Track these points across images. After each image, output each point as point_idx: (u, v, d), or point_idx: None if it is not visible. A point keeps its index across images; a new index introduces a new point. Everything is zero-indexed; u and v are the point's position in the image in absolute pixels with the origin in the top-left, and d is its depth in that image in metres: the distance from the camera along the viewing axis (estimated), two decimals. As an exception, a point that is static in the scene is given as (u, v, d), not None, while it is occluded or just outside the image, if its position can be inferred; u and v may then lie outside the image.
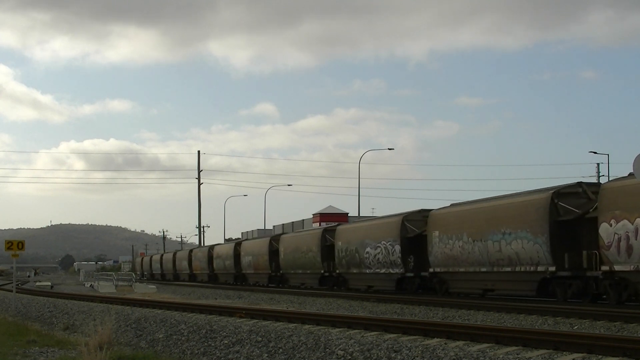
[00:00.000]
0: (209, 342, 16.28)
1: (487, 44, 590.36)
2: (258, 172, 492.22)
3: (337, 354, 13.39)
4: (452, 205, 34.20)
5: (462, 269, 31.44)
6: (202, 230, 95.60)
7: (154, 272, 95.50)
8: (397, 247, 35.90)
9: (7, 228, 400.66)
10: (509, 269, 28.53)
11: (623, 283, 24.14)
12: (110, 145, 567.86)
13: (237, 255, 61.31)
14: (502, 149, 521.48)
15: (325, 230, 47.20)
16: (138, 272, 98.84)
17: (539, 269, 27.02)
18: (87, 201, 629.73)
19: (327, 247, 44.94)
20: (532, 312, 22.61)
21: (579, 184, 27.83)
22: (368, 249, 38.64)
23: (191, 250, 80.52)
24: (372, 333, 16.47)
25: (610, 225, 24.03)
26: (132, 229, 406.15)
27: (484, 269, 29.99)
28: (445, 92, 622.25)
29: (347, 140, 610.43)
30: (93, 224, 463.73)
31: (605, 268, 24.45)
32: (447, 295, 32.27)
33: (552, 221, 26.47)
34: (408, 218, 36.28)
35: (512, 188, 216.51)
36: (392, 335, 15.87)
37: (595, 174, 69.77)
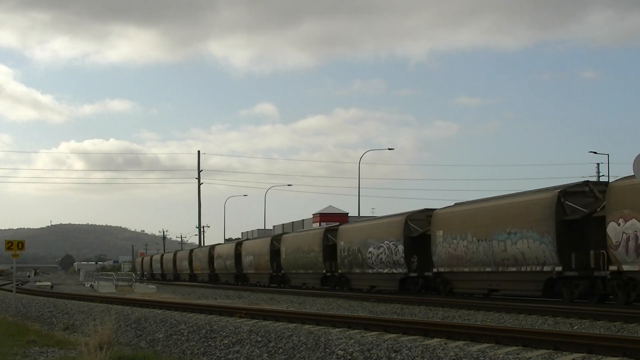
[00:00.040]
0: (209, 342, 16.28)
1: (487, 44, 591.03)
2: (258, 172, 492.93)
3: (337, 354, 13.39)
4: (456, 204, 33.90)
5: (466, 269, 31.11)
6: (202, 230, 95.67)
7: (154, 272, 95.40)
8: (401, 247, 35.65)
9: (7, 228, 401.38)
10: (514, 269, 28.22)
11: (631, 283, 23.81)
12: (110, 145, 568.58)
13: (238, 255, 61.17)
14: (502, 149, 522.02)
15: (327, 230, 46.96)
16: (138, 272, 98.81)
17: (545, 268, 26.68)
18: (87, 201, 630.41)
19: (329, 247, 44.74)
20: (532, 312, 22.60)
21: (586, 182, 27.48)
22: (371, 249, 38.41)
23: (192, 250, 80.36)
24: (372, 333, 16.47)
25: (619, 225, 23.71)
26: (132, 229, 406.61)
27: (488, 269, 29.67)
28: (445, 92, 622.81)
29: (347, 140, 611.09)
30: (93, 224, 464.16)
31: (613, 268, 24.11)
32: (451, 296, 32.02)
33: (558, 220, 26.16)
34: (411, 217, 36.06)
35: (512, 188, 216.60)
36: (392, 335, 15.87)
37: (595, 174, 69.80)
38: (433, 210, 34.75)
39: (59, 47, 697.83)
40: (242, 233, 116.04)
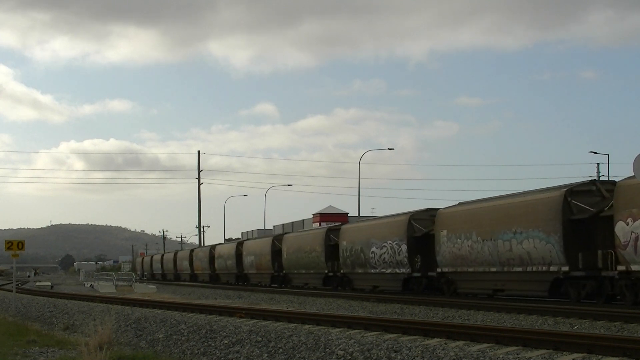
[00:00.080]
0: (209, 342, 16.28)
1: (487, 44, 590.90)
2: (258, 172, 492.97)
3: (337, 354, 13.39)
4: (460, 204, 33.57)
5: (471, 269, 30.83)
6: (202, 230, 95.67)
7: (154, 272, 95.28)
8: (404, 247, 35.38)
9: (7, 228, 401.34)
10: (520, 269, 27.94)
11: None
12: (110, 145, 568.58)
13: (239, 255, 60.92)
14: (502, 149, 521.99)
15: (329, 229, 46.66)
16: (138, 272, 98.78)
17: (552, 268, 26.41)
18: (87, 201, 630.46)
19: (331, 247, 44.51)
20: (532, 312, 22.60)
21: (593, 181, 27.06)
22: (373, 249, 38.16)
23: (192, 250, 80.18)
24: (372, 333, 16.47)
25: (627, 224, 23.38)
26: (132, 229, 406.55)
27: (493, 269, 29.40)
28: (445, 92, 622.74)
29: (347, 140, 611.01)
30: (93, 224, 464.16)
31: (621, 268, 23.77)
32: (455, 296, 31.76)
33: (565, 220, 25.91)
34: (415, 217, 35.76)
35: (512, 188, 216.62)
36: (392, 335, 15.87)
37: (595, 174, 69.81)
38: (437, 209, 34.45)
39: (59, 47, 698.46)
40: (242, 233, 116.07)
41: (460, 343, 14.22)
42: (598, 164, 71.16)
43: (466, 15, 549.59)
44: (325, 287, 45.00)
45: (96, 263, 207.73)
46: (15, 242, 30.20)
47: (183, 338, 17.26)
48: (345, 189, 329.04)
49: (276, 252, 52.82)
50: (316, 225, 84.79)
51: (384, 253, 37.16)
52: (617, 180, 25.62)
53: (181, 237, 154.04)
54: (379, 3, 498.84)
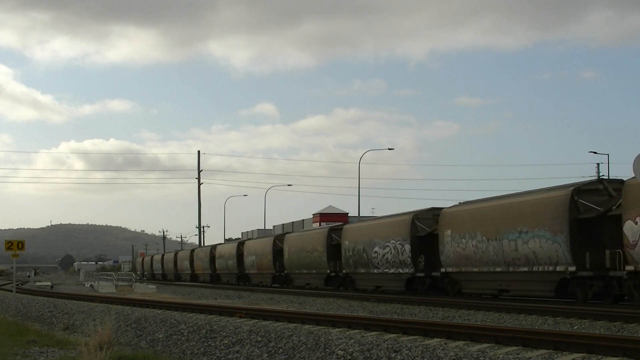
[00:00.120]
0: (209, 342, 16.28)
1: (487, 44, 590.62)
2: (258, 172, 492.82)
3: (337, 354, 13.39)
4: (464, 203, 33.23)
5: (475, 269, 30.50)
6: (202, 230, 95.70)
7: (154, 272, 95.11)
8: (407, 247, 35.07)
9: (7, 228, 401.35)
10: (525, 269, 27.61)
11: None
12: (110, 145, 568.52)
13: (240, 255, 60.64)
14: (502, 149, 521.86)
15: (332, 229, 46.29)
16: (139, 272, 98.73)
17: (558, 268, 26.08)
18: (87, 201, 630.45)
19: (333, 247, 44.23)
20: (532, 312, 22.60)
21: (600, 180, 26.66)
22: (376, 249, 37.89)
23: (193, 250, 79.91)
24: (372, 333, 16.47)
25: (636, 223, 23.09)
26: (132, 229, 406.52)
27: (499, 269, 29.07)
28: (445, 92, 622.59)
29: (347, 140, 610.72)
30: (93, 224, 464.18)
31: (630, 268, 23.46)
32: (460, 296, 31.49)
33: (572, 219, 25.58)
34: (418, 216, 35.43)
35: (512, 188, 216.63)
36: (392, 335, 15.87)
37: (595, 174, 69.83)
38: (440, 209, 34.17)
39: (59, 47, 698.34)
40: (242, 233, 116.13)
41: (460, 343, 14.22)
42: (598, 164, 71.27)
43: (466, 15, 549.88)
44: (327, 287, 44.72)
45: (96, 263, 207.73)
46: (15, 242, 30.20)
47: (183, 338, 17.26)
48: (345, 189, 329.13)
49: (278, 252, 52.52)
50: (316, 225, 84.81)
51: (387, 253, 36.85)
52: (624, 179, 25.12)
53: (181, 237, 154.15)
54: (379, 3, 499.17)
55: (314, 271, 46.68)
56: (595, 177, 64.84)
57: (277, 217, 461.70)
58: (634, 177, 22.99)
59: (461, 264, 31.39)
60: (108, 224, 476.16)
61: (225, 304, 30.06)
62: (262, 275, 55.86)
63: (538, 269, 27.06)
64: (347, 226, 44.41)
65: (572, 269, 25.54)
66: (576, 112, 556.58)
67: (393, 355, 12.71)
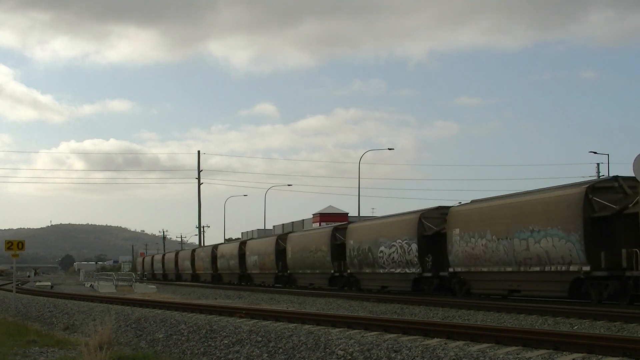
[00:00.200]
0: (209, 342, 16.28)
1: (487, 44, 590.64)
2: (258, 172, 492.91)
3: (337, 354, 13.39)
4: (472, 201, 32.54)
5: (485, 269, 29.86)
6: (202, 230, 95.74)
7: (155, 272, 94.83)
8: (414, 246, 34.46)
9: (7, 228, 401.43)
10: (537, 269, 26.95)
11: None
12: (110, 145, 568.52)
13: (242, 254, 60.02)
14: (502, 149, 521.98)
15: (336, 228, 45.59)
16: (139, 272, 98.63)
17: (572, 268, 25.42)
18: (87, 201, 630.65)
19: (337, 246, 43.63)
20: (532, 312, 22.60)
21: (615, 178, 25.92)
22: (382, 248, 37.31)
23: (194, 250, 79.45)
24: (372, 333, 16.47)
25: None
26: (132, 229, 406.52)
27: (509, 269, 28.42)
28: (445, 92, 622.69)
29: (347, 140, 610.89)
30: (93, 224, 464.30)
31: None
32: (468, 296, 30.97)
33: (586, 217, 24.88)
34: (425, 215, 34.83)
35: (512, 188, 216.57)
36: (392, 335, 15.87)
37: (595, 174, 69.83)
38: (448, 207, 33.60)
39: (59, 47, 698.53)
40: (242, 233, 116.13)
41: (460, 343, 14.22)
42: (598, 164, 71.26)
43: (466, 15, 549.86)
44: (331, 287, 44.15)
45: (96, 263, 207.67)
46: (15, 242, 30.20)
47: (183, 338, 17.26)
48: (345, 189, 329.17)
49: (280, 252, 51.93)
50: (316, 225, 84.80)
51: (393, 252, 36.28)
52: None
53: (181, 237, 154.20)
54: (379, 3, 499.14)
55: (317, 271, 46.11)
56: (595, 177, 64.90)
57: (277, 217, 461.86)
58: None
59: (470, 263, 30.74)
60: (108, 224, 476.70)
61: (225, 304, 30.06)
62: (265, 275, 55.29)
63: (550, 268, 26.40)
64: (351, 225, 43.64)
65: (587, 268, 24.89)
66: (576, 112, 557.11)
67: (393, 355, 12.71)
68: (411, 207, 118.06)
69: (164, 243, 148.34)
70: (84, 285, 72.19)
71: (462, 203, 33.47)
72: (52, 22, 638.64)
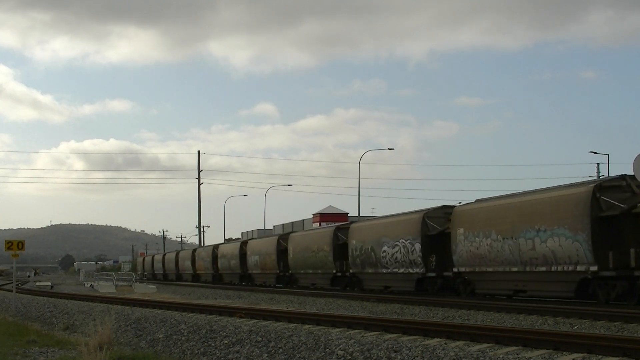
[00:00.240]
0: (209, 342, 16.28)
1: (487, 44, 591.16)
2: (258, 172, 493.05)
3: (337, 354, 13.39)
4: (477, 201, 32.25)
5: (490, 269, 29.52)
6: (202, 230, 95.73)
7: (155, 272, 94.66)
8: (418, 246, 34.10)
9: (7, 228, 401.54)
10: (543, 269, 26.58)
11: None
12: (110, 145, 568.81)
13: (243, 254, 59.66)
14: (502, 149, 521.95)
15: (338, 228, 45.18)
16: (139, 272, 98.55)
17: (579, 268, 25.03)
18: (87, 201, 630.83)
19: (339, 246, 43.26)
20: (532, 312, 22.60)
21: (623, 176, 25.53)
22: (385, 248, 37.01)
23: (195, 250, 79.12)
24: (372, 333, 16.46)
25: None
26: (132, 229, 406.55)
27: (515, 269, 28.06)
28: (445, 92, 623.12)
29: (347, 140, 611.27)
30: (93, 224, 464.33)
31: None
32: (472, 297, 30.67)
33: (594, 217, 24.49)
34: (429, 215, 34.47)
35: (512, 188, 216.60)
36: (392, 335, 15.87)
37: (595, 174, 69.84)
38: (452, 207, 33.26)
39: (59, 47, 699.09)
40: (242, 233, 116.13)
41: (460, 343, 14.22)
42: (598, 164, 71.29)
43: (466, 15, 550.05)
44: (333, 287, 43.86)
45: (96, 263, 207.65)
46: (15, 242, 30.20)
47: (183, 338, 17.26)
48: (345, 189, 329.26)
49: (282, 252, 51.62)
50: (316, 225, 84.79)
51: (397, 252, 35.96)
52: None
53: (181, 237, 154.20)
54: (379, 3, 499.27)
55: (319, 271, 45.80)
56: (595, 177, 64.93)
57: (277, 217, 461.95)
58: None
59: (475, 263, 30.39)
60: (108, 224, 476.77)
61: (225, 304, 30.05)
62: (266, 275, 54.98)
63: (557, 268, 26.07)
64: (354, 225, 43.22)
65: (594, 268, 24.53)
66: (576, 112, 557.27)
67: (393, 355, 12.71)
68: (411, 207, 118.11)
69: (164, 243, 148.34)
70: (84, 285, 72.19)
71: (466, 203, 33.16)
72: (52, 22, 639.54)
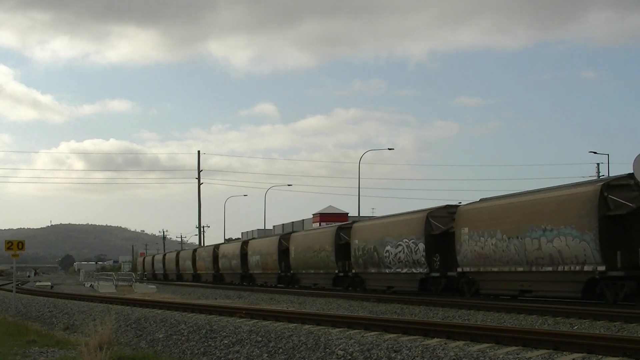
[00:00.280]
0: (209, 342, 16.27)
1: (487, 44, 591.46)
2: (258, 172, 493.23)
3: (337, 354, 13.38)
4: (482, 200, 31.91)
5: (495, 269, 29.19)
6: (202, 230, 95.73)
7: (156, 272, 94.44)
8: (421, 245, 33.85)
9: (7, 228, 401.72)
10: (550, 269, 26.22)
11: None
12: (110, 145, 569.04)
13: (244, 254, 59.39)
14: (502, 149, 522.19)
15: (340, 227, 44.89)
16: (139, 272, 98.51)
17: (586, 268, 24.69)
18: (87, 201, 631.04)
19: (341, 246, 43.05)
20: (532, 312, 22.59)
21: (631, 175, 25.11)
22: (388, 248, 36.74)
23: (195, 250, 78.89)
24: (372, 333, 16.46)
25: None
26: (132, 229, 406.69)
27: (520, 269, 27.71)
28: (445, 92, 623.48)
29: (347, 140, 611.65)
30: (93, 224, 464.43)
31: None
32: (477, 297, 30.46)
33: (601, 216, 24.15)
34: (433, 214, 34.16)
35: (512, 188, 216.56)
36: (392, 335, 15.86)
37: (595, 174, 69.84)
38: (456, 206, 32.90)
39: (59, 47, 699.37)
40: (242, 233, 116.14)
41: (460, 343, 14.21)
42: (598, 164, 71.31)
43: (466, 15, 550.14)
44: (335, 287, 43.64)
45: (96, 263, 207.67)
46: (15, 242, 30.19)
47: (183, 338, 17.26)
48: (345, 189, 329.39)
49: (283, 252, 51.34)
50: (316, 225, 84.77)
51: (400, 252, 35.70)
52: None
53: (181, 237, 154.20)
54: (379, 3, 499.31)
55: (321, 271, 45.53)
56: (595, 177, 64.94)
57: (277, 217, 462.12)
58: None
59: (479, 263, 30.08)
60: (108, 224, 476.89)
61: (225, 304, 30.05)
62: (267, 275, 54.68)
63: (564, 268, 25.72)
64: (356, 224, 42.89)
65: (602, 268, 24.19)
66: (576, 112, 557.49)
67: (393, 355, 12.71)
68: (411, 207, 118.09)
69: (164, 243, 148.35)
70: (84, 285, 72.19)
71: (470, 202, 32.85)
72: (52, 22, 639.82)
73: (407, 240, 35.26)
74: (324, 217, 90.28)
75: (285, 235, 54.14)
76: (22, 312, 28.05)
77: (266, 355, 14.38)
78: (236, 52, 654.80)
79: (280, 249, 51.86)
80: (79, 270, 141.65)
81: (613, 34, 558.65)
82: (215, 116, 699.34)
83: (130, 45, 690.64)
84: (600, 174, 68.75)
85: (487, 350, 12.85)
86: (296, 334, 15.64)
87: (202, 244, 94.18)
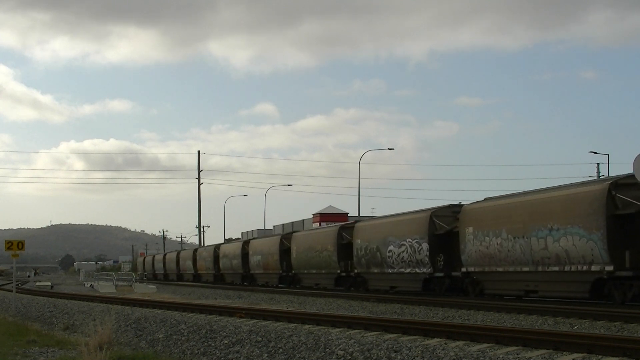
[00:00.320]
0: (209, 342, 16.27)
1: (487, 44, 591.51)
2: (258, 172, 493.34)
3: (337, 354, 13.38)
4: (486, 199, 31.56)
5: (500, 269, 28.87)
6: (202, 230, 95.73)
7: (156, 272, 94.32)
8: (425, 245, 33.54)
9: (7, 228, 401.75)
10: (556, 269, 25.87)
11: None
12: (110, 145, 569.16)
13: (245, 254, 59.17)
14: (502, 149, 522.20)
15: (342, 227, 44.60)
16: (139, 272, 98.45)
17: (594, 268, 24.33)
18: (87, 201, 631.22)
19: (343, 246, 42.80)
20: (532, 312, 22.59)
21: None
22: (391, 247, 36.49)
23: (196, 250, 78.73)
24: (372, 333, 16.46)
25: None
26: (132, 229, 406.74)
27: (526, 269, 27.37)
28: (445, 92, 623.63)
29: (347, 140, 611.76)
30: (93, 224, 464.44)
31: None
32: (482, 297, 30.22)
33: (609, 215, 23.78)
34: (437, 214, 33.86)
35: (512, 188, 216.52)
36: (392, 335, 15.87)
37: (595, 174, 69.84)
38: (460, 206, 32.64)
39: (59, 47, 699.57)
40: (242, 233, 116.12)
41: (460, 343, 14.22)
42: (598, 164, 71.33)
43: (466, 15, 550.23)
44: (337, 287, 43.46)
45: (96, 263, 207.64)
46: (15, 242, 30.19)
47: (183, 338, 17.26)
48: (345, 189, 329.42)
49: (284, 252, 51.12)
50: (316, 225, 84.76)
51: (403, 252, 35.44)
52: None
53: (181, 237, 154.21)
54: (379, 3, 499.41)
55: (323, 271, 45.29)
56: (595, 177, 64.93)
57: (277, 217, 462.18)
58: None
59: (484, 263, 29.75)
60: (108, 224, 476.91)
61: (225, 304, 30.05)
62: (268, 275, 54.42)
63: (570, 268, 25.34)
64: (359, 224, 42.54)
65: (610, 268, 23.82)
66: (576, 112, 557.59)
67: (393, 355, 12.71)
68: (411, 207, 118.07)
69: (164, 243, 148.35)
70: (84, 285, 72.20)
71: (475, 201, 32.57)
72: (52, 22, 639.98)
73: (410, 240, 35.00)
74: (324, 217, 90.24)
75: (286, 235, 53.95)
76: (22, 312, 28.05)
77: (266, 355, 14.38)
78: (236, 52, 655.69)
79: (282, 248, 51.63)
80: (79, 270, 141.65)
81: (613, 34, 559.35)
82: (215, 116, 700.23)
83: (130, 45, 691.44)
84: (600, 174, 68.76)
85: (487, 350, 12.85)
86: (296, 334, 15.64)
87: (202, 244, 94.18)
